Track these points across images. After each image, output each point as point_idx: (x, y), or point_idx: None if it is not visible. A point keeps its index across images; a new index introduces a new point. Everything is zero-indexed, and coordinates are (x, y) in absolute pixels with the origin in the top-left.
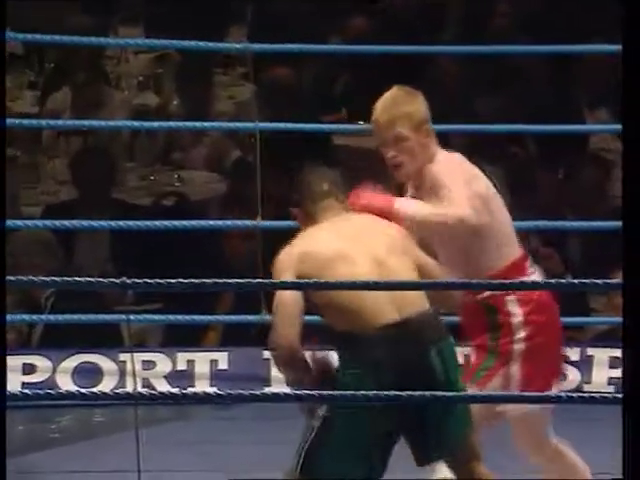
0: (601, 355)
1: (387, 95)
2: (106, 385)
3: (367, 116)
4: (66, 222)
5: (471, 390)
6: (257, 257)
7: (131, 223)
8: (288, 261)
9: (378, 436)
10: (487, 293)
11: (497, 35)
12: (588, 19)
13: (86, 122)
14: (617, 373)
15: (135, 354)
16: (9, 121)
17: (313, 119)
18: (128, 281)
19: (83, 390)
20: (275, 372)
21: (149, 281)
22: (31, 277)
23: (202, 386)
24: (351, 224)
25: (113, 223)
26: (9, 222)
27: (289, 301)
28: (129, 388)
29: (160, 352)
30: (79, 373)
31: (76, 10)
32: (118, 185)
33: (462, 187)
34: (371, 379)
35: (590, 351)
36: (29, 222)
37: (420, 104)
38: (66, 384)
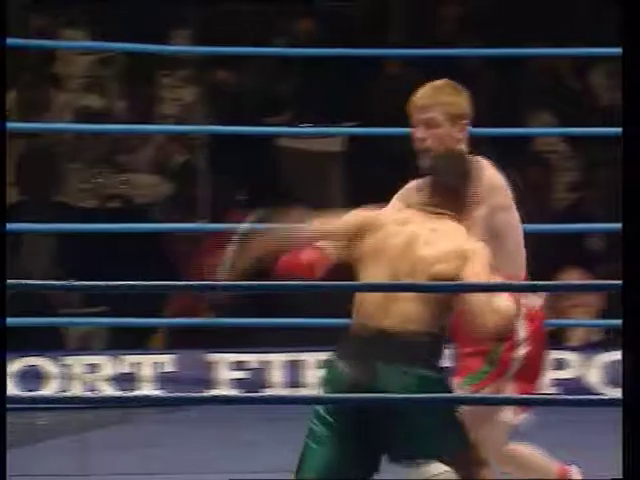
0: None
1: (432, 83)
2: (50, 389)
3: (312, 118)
4: (10, 225)
5: (460, 391)
6: (201, 259)
7: (76, 225)
8: (359, 214)
9: (349, 439)
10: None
11: (444, 38)
12: (535, 23)
13: (32, 124)
14: (561, 374)
15: (80, 357)
16: None
17: (258, 121)
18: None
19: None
20: (220, 374)
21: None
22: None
23: (147, 389)
24: (411, 229)
25: (57, 225)
26: None
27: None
28: (75, 391)
29: (105, 355)
30: (23, 376)
31: (24, 12)
32: (62, 188)
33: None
34: (335, 371)
35: None
36: None
37: (463, 99)
38: (10, 388)
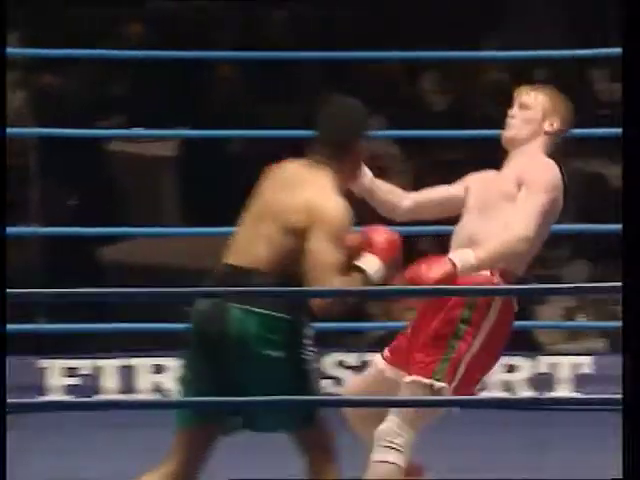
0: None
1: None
2: None
3: (144, 122)
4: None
5: (425, 384)
6: (33, 264)
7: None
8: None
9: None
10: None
11: (276, 42)
12: (369, 28)
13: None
14: None
15: None
16: None
17: (89, 125)
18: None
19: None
20: (51, 381)
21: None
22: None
23: None
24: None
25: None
26: None
27: None
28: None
29: None
30: None
31: None
32: None
33: (543, 198)
34: (194, 308)
35: (368, 356)
36: None
37: (568, 112)
38: None
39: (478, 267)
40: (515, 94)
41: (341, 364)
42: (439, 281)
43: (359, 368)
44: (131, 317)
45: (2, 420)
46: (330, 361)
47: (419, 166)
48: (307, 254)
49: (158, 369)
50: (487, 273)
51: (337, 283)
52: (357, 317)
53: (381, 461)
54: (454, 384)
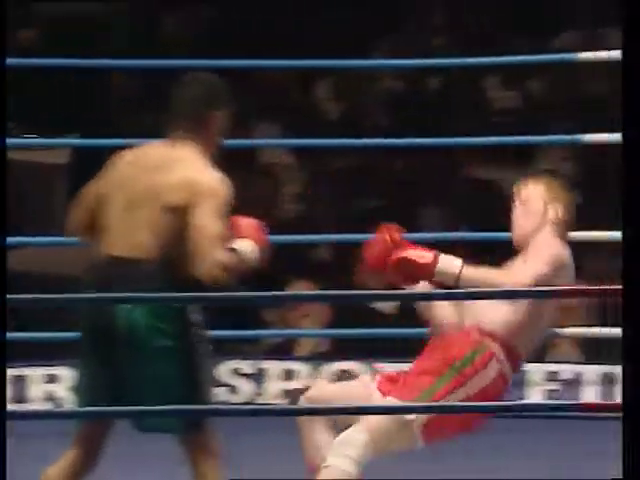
0: (275, 368)
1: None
2: None
3: (37, 130)
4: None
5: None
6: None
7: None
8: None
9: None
10: (487, 339)
11: (168, 49)
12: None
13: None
14: (289, 385)
15: None
16: None
17: None
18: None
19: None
20: None
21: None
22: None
23: None
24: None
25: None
26: None
27: None
28: None
29: None
30: None
31: None
32: None
33: (544, 266)
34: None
35: (264, 364)
36: None
37: (569, 199)
38: None
39: (457, 279)
40: (514, 190)
41: (236, 372)
42: (404, 262)
43: (254, 376)
44: (23, 327)
45: (2, 426)
46: (225, 369)
47: (311, 174)
48: (191, 230)
49: (51, 378)
50: (491, 344)
51: (222, 256)
52: (253, 324)
53: (335, 466)
54: (424, 421)
